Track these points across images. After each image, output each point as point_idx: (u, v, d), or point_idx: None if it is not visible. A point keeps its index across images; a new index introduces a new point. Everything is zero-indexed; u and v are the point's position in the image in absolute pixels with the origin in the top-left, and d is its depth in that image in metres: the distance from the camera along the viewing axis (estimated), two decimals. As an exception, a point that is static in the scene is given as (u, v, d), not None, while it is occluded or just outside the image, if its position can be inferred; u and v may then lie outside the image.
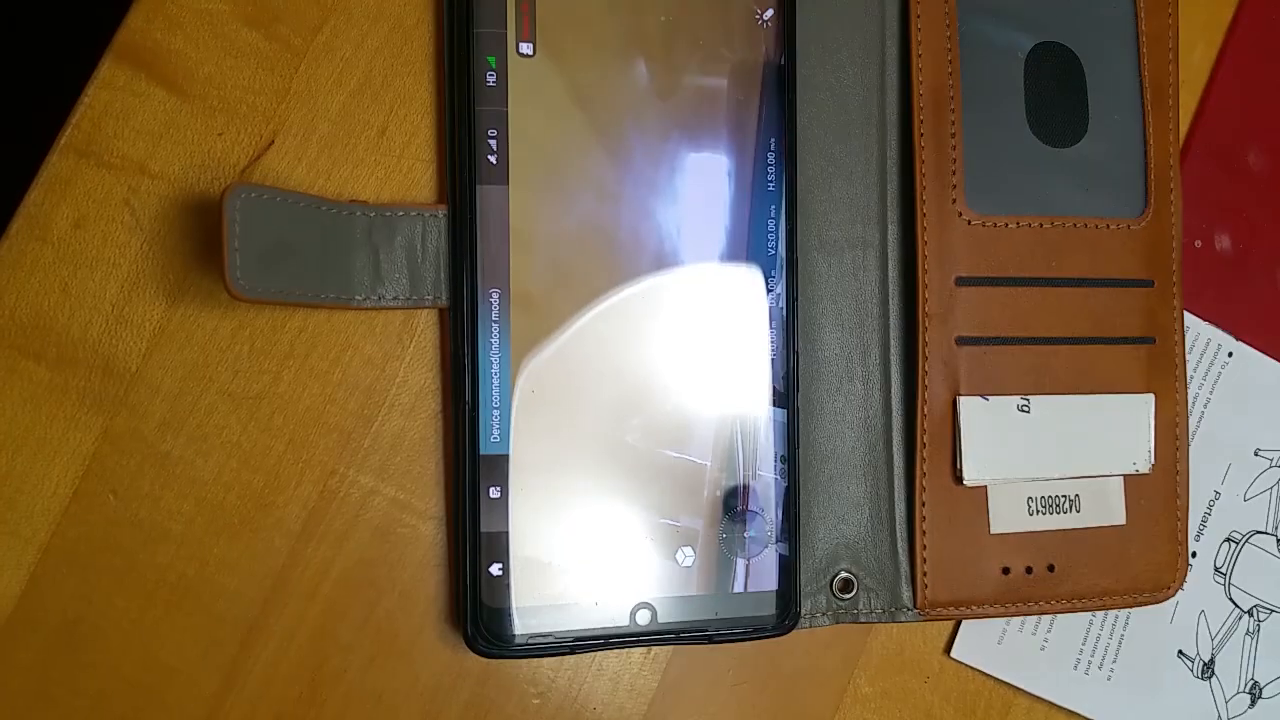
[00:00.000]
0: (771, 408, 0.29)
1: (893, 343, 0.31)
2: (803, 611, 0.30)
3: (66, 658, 0.26)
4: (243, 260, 0.24)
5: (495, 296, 0.27)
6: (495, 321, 0.27)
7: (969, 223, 0.30)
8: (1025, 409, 0.31)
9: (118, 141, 0.26)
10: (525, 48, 0.27)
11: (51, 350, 0.26)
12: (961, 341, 0.30)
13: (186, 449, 0.27)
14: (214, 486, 0.27)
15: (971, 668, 0.32)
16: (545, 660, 0.29)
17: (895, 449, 0.31)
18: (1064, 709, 0.32)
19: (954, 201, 0.30)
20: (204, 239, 0.27)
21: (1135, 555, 0.32)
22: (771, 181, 0.29)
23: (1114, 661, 0.33)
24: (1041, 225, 0.31)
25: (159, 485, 0.26)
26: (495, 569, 0.27)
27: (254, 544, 0.27)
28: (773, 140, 0.29)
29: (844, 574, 0.30)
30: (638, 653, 0.29)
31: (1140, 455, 0.31)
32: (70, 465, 0.26)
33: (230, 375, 0.27)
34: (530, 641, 0.27)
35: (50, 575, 0.26)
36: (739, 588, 0.28)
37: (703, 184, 0.28)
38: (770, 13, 0.29)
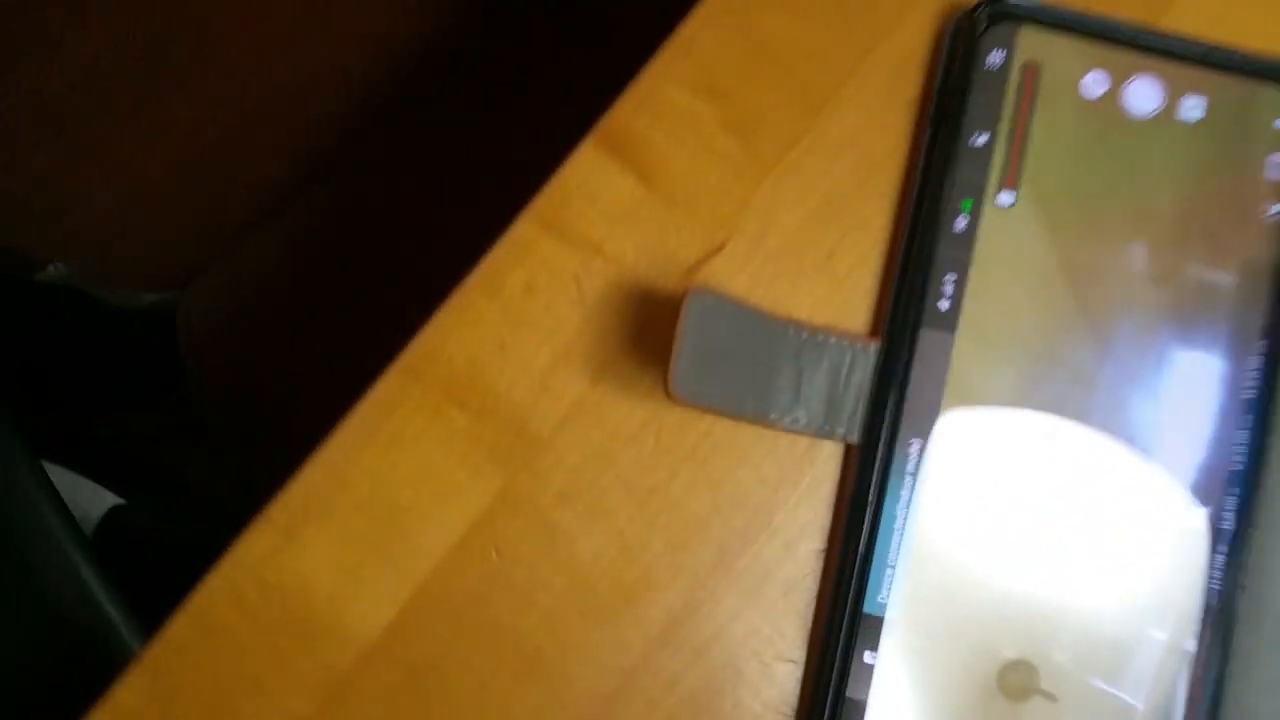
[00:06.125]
0: (1202, 648, 0.25)
1: (1355, 602, 0.26)
2: None
3: (410, 700, 0.26)
4: (688, 364, 0.24)
5: (915, 447, 0.25)
6: (910, 474, 0.25)
7: None
8: None
9: (580, 220, 0.27)
10: (1005, 198, 0.26)
11: (476, 400, 0.27)
12: None
13: (573, 524, 0.27)
14: (590, 568, 0.26)
15: None
16: None
17: (1334, 728, 0.26)
18: None
19: None
20: (638, 328, 0.27)
21: None
22: (1248, 389, 0.25)
23: None
24: None
25: (540, 553, 0.27)
26: (851, 737, 0.25)
27: (613, 636, 0.26)
28: (1262, 345, 0.25)
29: None
30: None
31: None
32: (464, 514, 0.27)
33: (631, 463, 0.27)
34: (870, 824, 0.24)
35: (418, 615, 0.27)
36: (1120, 840, 0.25)
37: (1174, 381, 0.25)
38: (1278, 208, 0.26)
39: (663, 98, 0.28)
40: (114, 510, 0.64)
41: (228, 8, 0.41)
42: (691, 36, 0.28)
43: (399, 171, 0.58)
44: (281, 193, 0.56)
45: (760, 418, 0.26)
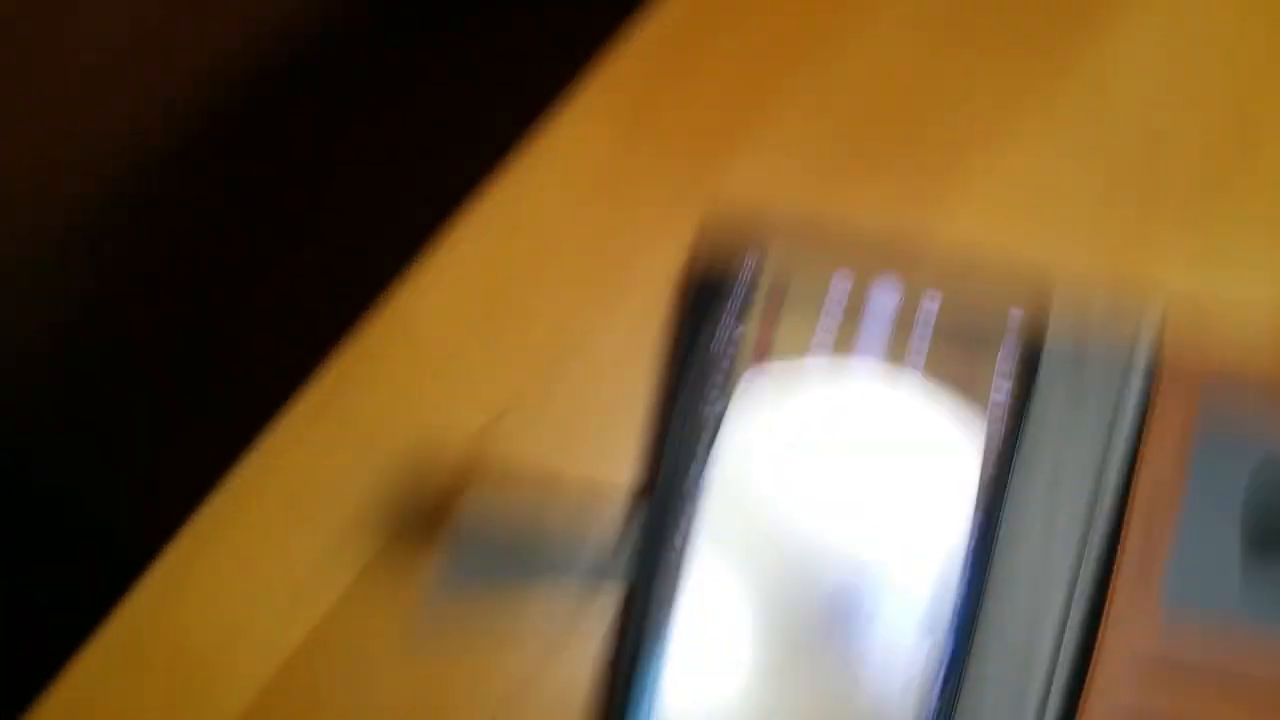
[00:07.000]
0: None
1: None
2: None
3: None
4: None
5: (673, 595, 0.28)
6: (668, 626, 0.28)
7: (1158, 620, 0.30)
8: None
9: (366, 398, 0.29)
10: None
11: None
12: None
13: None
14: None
15: None
16: None
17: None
18: None
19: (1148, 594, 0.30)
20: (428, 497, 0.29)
21: None
22: (968, 545, 0.29)
23: None
24: (1229, 630, 0.30)
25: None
26: None
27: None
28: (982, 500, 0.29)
29: None
30: None
31: None
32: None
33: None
34: None
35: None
36: None
37: (899, 549, 0.29)
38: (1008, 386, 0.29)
39: (432, 279, 0.29)
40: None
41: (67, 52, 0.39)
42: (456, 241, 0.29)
43: (205, 200, 0.58)
44: (101, 216, 0.55)
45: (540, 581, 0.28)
